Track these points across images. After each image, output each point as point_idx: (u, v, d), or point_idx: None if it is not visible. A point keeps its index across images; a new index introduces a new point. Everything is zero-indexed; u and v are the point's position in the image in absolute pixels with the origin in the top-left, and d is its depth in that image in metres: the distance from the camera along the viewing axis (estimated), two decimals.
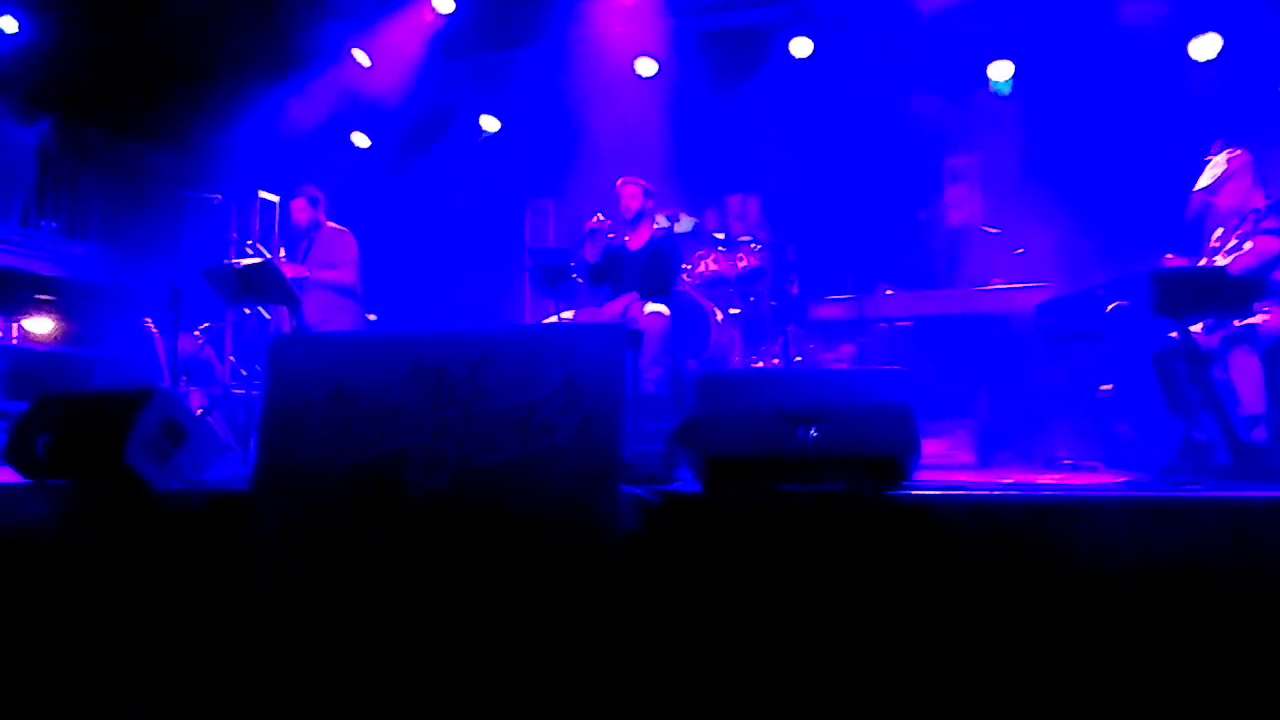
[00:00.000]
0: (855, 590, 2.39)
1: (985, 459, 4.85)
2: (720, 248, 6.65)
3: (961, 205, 6.18)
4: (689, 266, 6.56)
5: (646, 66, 7.81)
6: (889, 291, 5.56)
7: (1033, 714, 2.23)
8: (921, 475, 2.89)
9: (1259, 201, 4.02)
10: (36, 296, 8.68)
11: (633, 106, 8.02)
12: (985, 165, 7.24)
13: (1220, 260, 4.05)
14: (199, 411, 5.58)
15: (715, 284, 6.53)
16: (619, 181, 5.61)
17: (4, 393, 7.33)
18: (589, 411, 2.55)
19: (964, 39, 7.12)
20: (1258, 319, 3.70)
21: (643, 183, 5.54)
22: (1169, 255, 4.06)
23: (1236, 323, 3.74)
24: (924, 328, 5.43)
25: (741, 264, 6.51)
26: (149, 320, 7.16)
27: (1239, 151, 4.11)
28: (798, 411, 2.59)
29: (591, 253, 5.47)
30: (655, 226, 5.50)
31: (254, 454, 2.85)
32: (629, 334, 4.46)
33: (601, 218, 5.49)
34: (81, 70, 8.02)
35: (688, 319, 5.95)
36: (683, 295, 6.14)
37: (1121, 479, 3.63)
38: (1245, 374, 3.65)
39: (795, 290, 5.99)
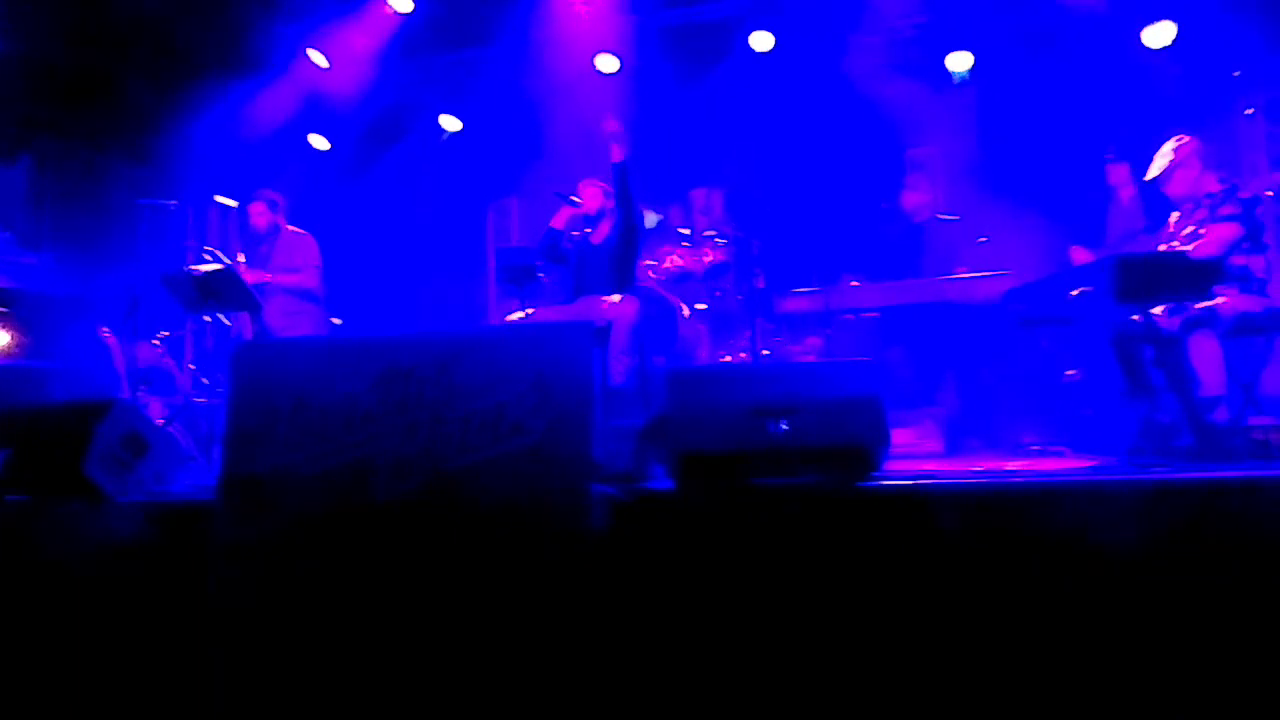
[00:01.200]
0: (830, 582, 2.39)
1: (953, 447, 4.88)
2: (685, 243, 6.65)
3: (923, 195, 6.21)
4: (654, 262, 6.55)
5: (608, 63, 7.79)
6: (854, 283, 5.57)
7: (1010, 701, 2.25)
8: (891, 465, 2.90)
9: (1212, 185, 4.08)
10: None
11: (595, 103, 8.01)
12: (946, 155, 7.30)
13: (1179, 247, 4.11)
14: (160, 421, 5.50)
15: (681, 279, 6.53)
16: (581, 183, 5.60)
17: None
18: (559, 411, 2.52)
19: (923, 31, 7.18)
20: (1217, 301, 3.76)
21: (603, 184, 5.53)
22: (1075, 247, 4.15)
23: (1196, 306, 3.80)
24: (890, 318, 5.46)
25: (707, 259, 6.52)
26: (105, 330, 7.06)
27: (1186, 139, 4.18)
28: (767, 405, 2.59)
29: (560, 220, 5.49)
30: (615, 219, 5.50)
31: (218, 463, 2.80)
32: (596, 331, 4.48)
33: (579, 200, 5.51)
34: (34, 77, 7.87)
35: (654, 315, 5.95)
36: (649, 291, 6.13)
37: (1088, 463, 3.67)
38: (1204, 356, 3.70)
39: (761, 284, 6.00)
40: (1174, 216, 4.30)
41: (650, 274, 6.46)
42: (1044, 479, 2.56)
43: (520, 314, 5.19)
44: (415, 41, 7.83)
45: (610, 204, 5.43)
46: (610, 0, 7.49)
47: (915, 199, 6.22)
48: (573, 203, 5.55)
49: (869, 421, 2.58)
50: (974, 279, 5.11)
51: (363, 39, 7.78)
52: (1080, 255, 4.23)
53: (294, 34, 7.76)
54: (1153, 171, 4.20)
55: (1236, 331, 3.76)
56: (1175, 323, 3.85)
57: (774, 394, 2.65)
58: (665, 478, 2.76)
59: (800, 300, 5.57)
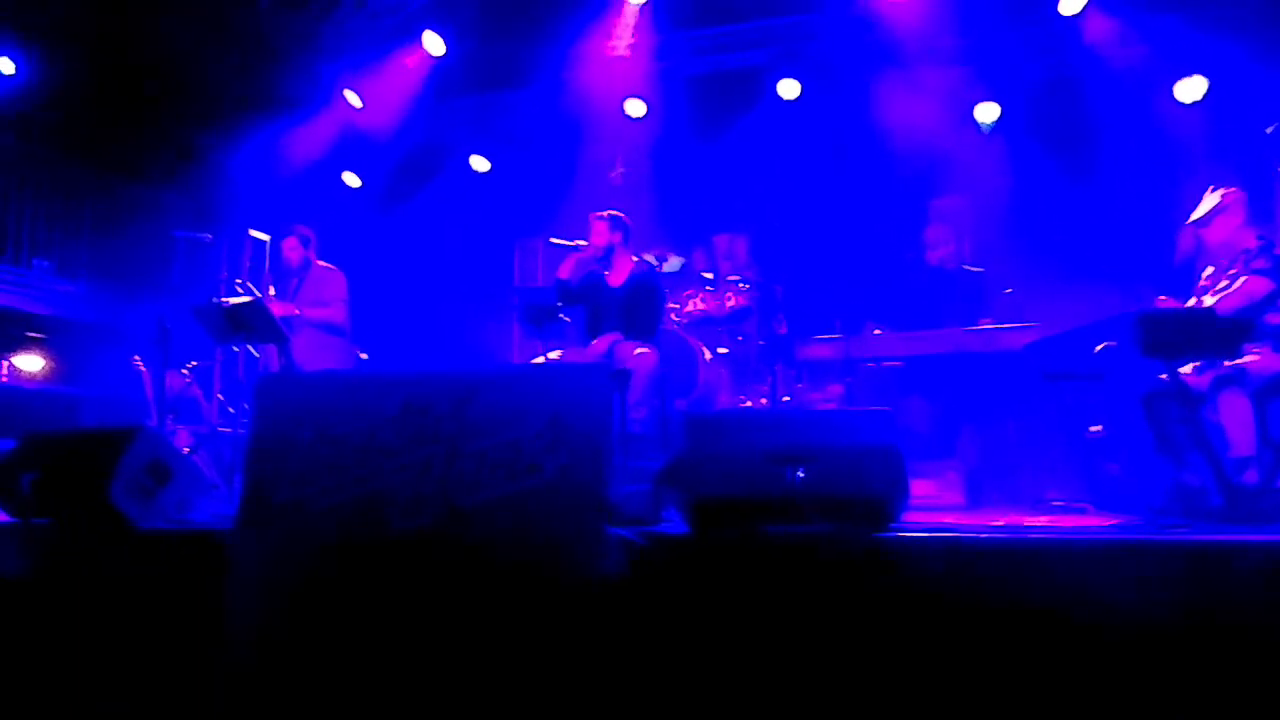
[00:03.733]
0: (843, 634, 2.36)
1: (974, 500, 4.82)
2: (708, 287, 6.67)
3: (948, 246, 6.20)
4: (676, 306, 6.57)
5: (636, 108, 7.89)
6: (877, 331, 5.56)
7: None
8: (911, 516, 2.87)
9: (1250, 241, 4.04)
10: (27, 334, 8.68)
11: (622, 147, 8.10)
12: (972, 206, 7.30)
13: (1209, 300, 4.06)
14: (185, 450, 5.55)
15: (703, 323, 6.54)
16: (590, 217, 5.56)
17: None
18: (575, 451, 2.52)
19: (950, 80, 7.21)
20: (1247, 360, 3.70)
21: (610, 214, 5.46)
22: (1162, 296, 4.08)
23: (1226, 364, 3.74)
24: (913, 367, 5.42)
25: (729, 303, 6.52)
26: (137, 358, 7.16)
27: (1234, 189, 4.15)
28: (785, 452, 2.58)
29: (566, 270, 5.44)
30: (634, 260, 5.46)
31: (239, 493, 2.83)
32: (616, 373, 4.48)
33: (583, 243, 5.49)
34: (75, 109, 8.08)
35: (676, 358, 5.94)
36: (671, 334, 6.13)
37: (1111, 521, 3.61)
38: (1234, 415, 3.63)
39: (783, 330, 5.99)
40: (1208, 270, 4.25)
41: (673, 317, 6.47)
42: (1065, 536, 2.52)
43: (541, 357, 5.19)
44: (448, 83, 7.97)
45: (618, 236, 5.38)
46: (640, 46, 7.60)
47: (940, 248, 6.21)
48: (576, 248, 5.55)
49: (887, 472, 2.57)
50: (998, 330, 5.07)
51: (397, 79, 7.92)
52: (1167, 305, 4.10)
53: (332, 73, 7.92)
54: (1198, 213, 4.18)
55: (1268, 391, 3.69)
56: (1204, 380, 3.79)
57: (792, 441, 2.64)
58: (680, 522, 2.75)
59: (822, 347, 5.55)
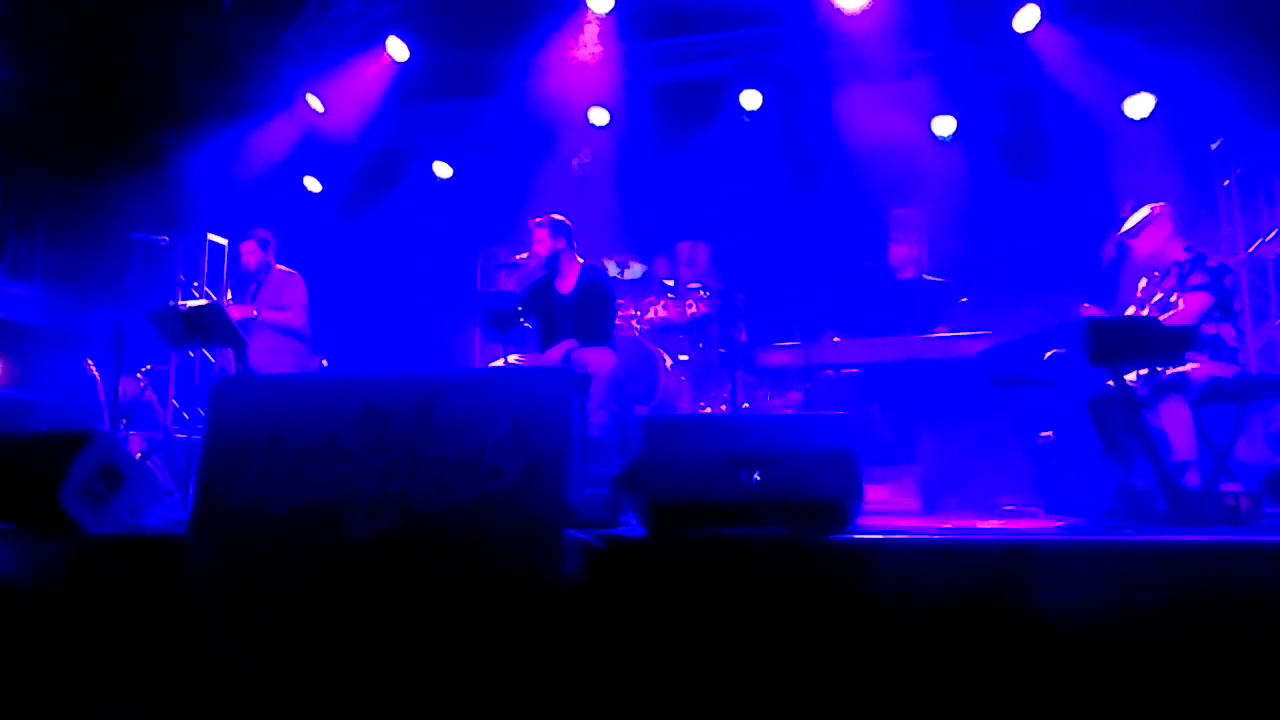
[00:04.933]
0: (797, 634, 2.40)
1: (930, 505, 4.90)
2: (670, 294, 6.71)
3: (907, 255, 6.31)
4: (638, 313, 6.60)
5: (600, 116, 7.93)
6: (836, 339, 5.62)
7: None
8: (866, 520, 2.92)
9: (1178, 253, 4.19)
10: None
11: (578, 164, 8.15)
12: (930, 216, 7.42)
13: (1146, 313, 4.19)
14: (139, 456, 5.49)
15: (664, 330, 6.58)
16: (531, 223, 5.48)
17: None
18: (536, 455, 2.53)
19: (909, 93, 7.33)
20: (1188, 367, 3.82)
21: (550, 219, 5.37)
22: (1086, 305, 4.21)
23: (1167, 371, 3.86)
24: (870, 374, 5.49)
25: (691, 311, 6.58)
26: (90, 362, 7.06)
27: (1161, 203, 4.31)
28: (741, 455, 2.61)
29: (508, 282, 5.39)
30: (580, 262, 5.42)
31: (193, 498, 2.80)
32: (577, 378, 4.49)
33: (524, 256, 5.48)
34: (30, 110, 7.93)
35: (636, 365, 5.97)
36: (631, 341, 6.16)
37: (1060, 524, 3.70)
38: (1176, 421, 3.75)
39: (744, 337, 6.05)
40: (1142, 283, 4.39)
41: (634, 324, 6.50)
42: (1011, 537, 2.58)
43: (501, 361, 5.18)
44: (412, 89, 7.97)
45: (561, 242, 5.34)
46: (605, 55, 7.64)
47: (899, 258, 6.30)
48: (515, 264, 5.51)
49: (842, 475, 2.60)
50: (953, 338, 5.16)
51: (361, 85, 7.90)
52: (1091, 314, 4.24)
53: (295, 78, 7.88)
54: (1127, 225, 4.32)
55: (1208, 398, 3.81)
56: (1147, 387, 3.91)
57: (748, 445, 2.67)
58: (638, 525, 2.77)
59: (782, 354, 5.59)
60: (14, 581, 3.06)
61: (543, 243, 5.32)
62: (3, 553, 3.12)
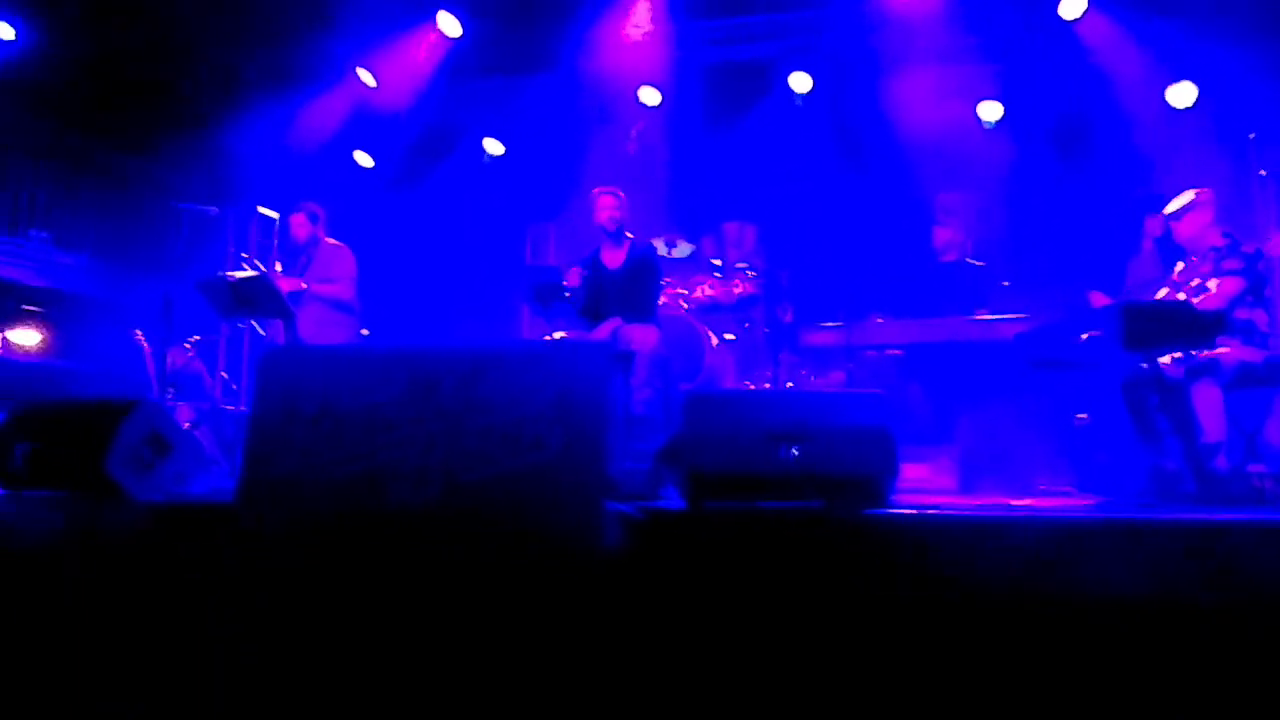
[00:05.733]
0: (830, 605, 2.43)
1: (967, 485, 4.90)
2: (716, 274, 6.73)
3: (950, 239, 6.28)
4: (685, 291, 6.62)
5: (650, 96, 7.93)
6: (879, 320, 5.62)
7: None
8: (903, 498, 2.94)
9: (1217, 239, 4.20)
10: (23, 307, 8.59)
11: (635, 134, 8.15)
12: (975, 201, 7.37)
13: (1182, 296, 4.19)
14: (186, 425, 5.58)
15: (710, 309, 6.60)
16: (594, 191, 5.57)
17: None
18: (578, 428, 2.56)
19: (956, 78, 7.27)
20: (1220, 351, 3.83)
21: (615, 191, 5.49)
22: (1095, 293, 4.23)
23: (1200, 355, 3.87)
24: (912, 355, 5.49)
25: (737, 290, 6.59)
26: (139, 332, 7.17)
27: (1206, 189, 4.33)
28: (779, 431, 2.64)
29: (573, 279, 5.47)
30: (630, 237, 5.47)
31: (239, 467, 2.85)
32: (619, 354, 4.53)
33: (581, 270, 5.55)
34: (79, 79, 7.92)
35: (682, 343, 6.00)
36: (678, 320, 6.19)
37: (1092, 503, 3.71)
38: (1207, 404, 3.77)
39: (789, 317, 6.05)
40: (1179, 266, 4.40)
41: (681, 303, 6.52)
42: (1046, 515, 2.59)
43: (547, 337, 5.24)
44: (463, 64, 8.00)
45: (621, 215, 5.39)
46: (656, 35, 7.63)
47: (943, 241, 6.27)
48: (585, 260, 5.58)
49: (878, 452, 2.63)
50: (994, 320, 5.14)
51: (412, 59, 7.95)
52: (1099, 300, 4.31)
53: (345, 51, 7.94)
54: (1171, 207, 4.34)
55: (1238, 382, 3.85)
56: (1179, 370, 3.92)
57: (787, 420, 2.70)
58: (678, 498, 2.81)
59: (826, 334, 5.60)
60: (61, 548, 3.09)
61: (607, 209, 5.39)
62: (50, 519, 3.16)
